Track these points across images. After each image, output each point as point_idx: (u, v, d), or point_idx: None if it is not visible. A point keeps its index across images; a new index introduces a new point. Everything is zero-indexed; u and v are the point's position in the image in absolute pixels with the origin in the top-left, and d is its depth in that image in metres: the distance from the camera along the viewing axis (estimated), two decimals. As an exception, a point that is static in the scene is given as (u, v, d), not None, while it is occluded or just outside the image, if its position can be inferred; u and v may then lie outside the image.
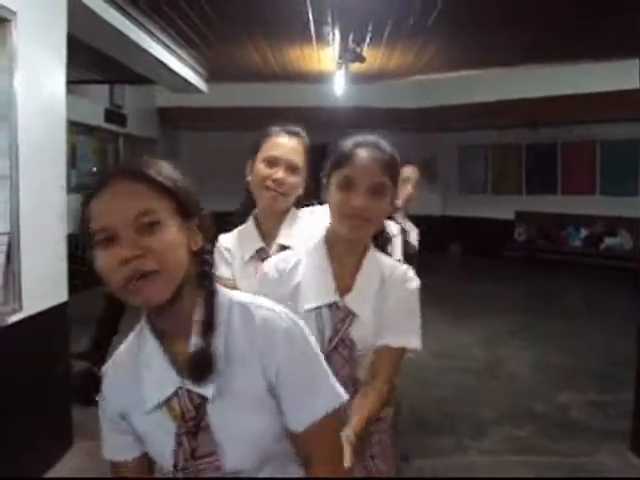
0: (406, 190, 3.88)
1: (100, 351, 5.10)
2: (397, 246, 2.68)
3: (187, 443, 1.36)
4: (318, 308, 1.99)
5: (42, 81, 4.03)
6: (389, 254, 2.19)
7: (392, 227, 2.52)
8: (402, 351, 2.02)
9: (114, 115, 11.02)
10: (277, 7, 6.27)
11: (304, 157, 2.52)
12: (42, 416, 4.00)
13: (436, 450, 4.56)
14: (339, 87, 9.77)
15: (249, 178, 2.52)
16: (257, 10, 6.38)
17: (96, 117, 10.33)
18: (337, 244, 2.05)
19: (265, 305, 1.42)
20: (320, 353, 1.43)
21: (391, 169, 2.02)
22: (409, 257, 3.03)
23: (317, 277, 2.02)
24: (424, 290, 2.07)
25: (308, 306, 1.99)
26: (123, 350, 1.48)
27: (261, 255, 2.45)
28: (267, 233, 2.52)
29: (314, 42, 7.78)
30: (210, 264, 1.42)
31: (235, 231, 2.56)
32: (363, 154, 1.99)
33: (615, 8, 5.97)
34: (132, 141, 12.07)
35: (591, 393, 5.66)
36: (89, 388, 4.87)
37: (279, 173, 2.43)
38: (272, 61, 9.48)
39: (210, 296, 1.39)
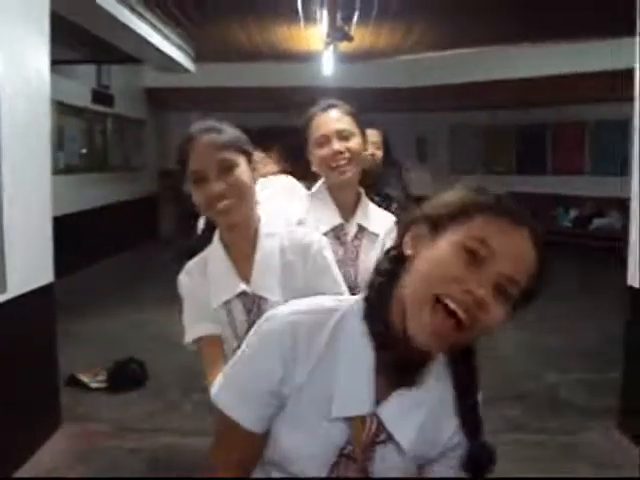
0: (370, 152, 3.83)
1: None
2: None
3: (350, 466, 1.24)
4: (225, 303, 2.02)
5: (24, 60, 3.96)
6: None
7: None
8: None
9: (101, 96, 10.93)
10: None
11: (352, 120, 2.48)
12: (29, 398, 3.98)
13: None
14: (328, 67, 9.71)
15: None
16: (244, -12, 6.33)
17: (83, 98, 10.24)
18: (226, 236, 2.08)
19: None
20: None
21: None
22: None
23: (219, 274, 2.04)
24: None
25: (215, 305, 2.02)
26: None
27: (337, 232, 2.47)
28: (343, 207, 2.51)
29: (301, 21, 7.71)
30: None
31: (303, 194, 2.72)
32: (204, 141, 1.97)
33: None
34: (120, 122, 11.98)
35: (580, 372, 5.68)
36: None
37: (334, 146, 2.42)
38: (259, 40, 9.43)
39: None
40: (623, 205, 12.06)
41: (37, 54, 4.10)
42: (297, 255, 2.02)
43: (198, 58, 9.94)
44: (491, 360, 6.17)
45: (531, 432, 4.55)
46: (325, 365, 1.20)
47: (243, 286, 2.00)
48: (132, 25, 6.74)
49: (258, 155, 3.95)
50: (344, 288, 2.08)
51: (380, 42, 9.53)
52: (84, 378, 5.29)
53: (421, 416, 1.22)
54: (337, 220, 2.47)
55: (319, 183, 2.56)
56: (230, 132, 2.00)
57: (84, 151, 10.58)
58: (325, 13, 6.84)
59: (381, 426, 1.20)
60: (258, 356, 1.24)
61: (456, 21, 8.08)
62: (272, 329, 1.23)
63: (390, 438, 1.21)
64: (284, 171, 3.99)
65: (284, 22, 8.13)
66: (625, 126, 11.89)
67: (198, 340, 2.03)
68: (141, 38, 7.23)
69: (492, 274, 1.10)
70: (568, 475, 3.87)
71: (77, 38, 7.71)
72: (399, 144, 14.41)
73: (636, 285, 4.34)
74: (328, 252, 2.07)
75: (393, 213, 2.53)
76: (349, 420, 1.20)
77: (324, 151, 2.43)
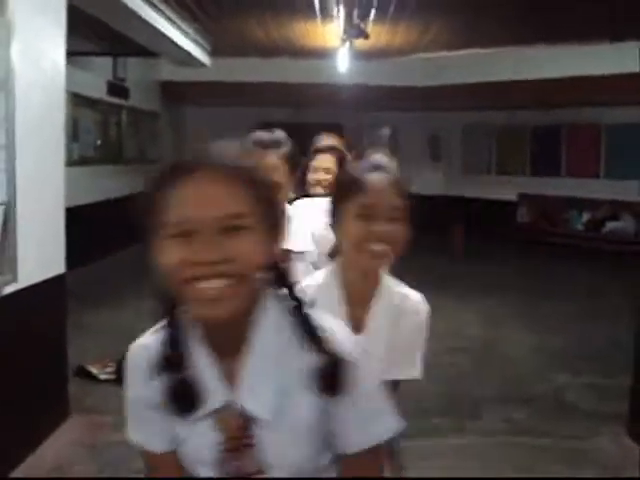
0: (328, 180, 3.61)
1: None
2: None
3: (229, 459, 1.29)
4: None
5: (41, 51, 3.99)
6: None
7: None
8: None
9: (117, 88, 10.96)
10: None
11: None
12: (38, 388, 4.00)
13: (433, 431, 4.56)
14: (343, 63, 9.71)
15: None
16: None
17: (99, 90, 10.27)
18: (352, 279, 1.97)
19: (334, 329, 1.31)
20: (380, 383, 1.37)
21: (405, 192, 1.93)
22: None
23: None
24: (427, 270, 2.06)
25: None
26: (154, 339, 1.32)
27: None
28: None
29: (318, 17, 7.72)
30: (288, 274, 1.33)
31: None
32: (378, 179, 1.89)
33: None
34: (135, 114, 12.01)
35: (589, 376, 5.65)
36: None
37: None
38: (276, 36, 9.43)
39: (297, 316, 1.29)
40: (637, 209, 12.05)
41: (53, 45, 4.13)
42: (407, 322, 2.00)
43: (214, 53, 9.95)
44: (498, 361, 6.17)
45: (537, 436, 4.53)
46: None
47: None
48: (149, 18, 6.75)
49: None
50: None
51: (396, 40, 9.51)
52: (93, 369, 5.32)
53: (268, 381, 1.26)
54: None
55: None
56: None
57: (99, 143, 10.61)
58: (342, 10, 6.85)
59: (241, 411, 1.26)
60: (126, 383, 1.34)
61: (472, 21, 8.06)
62: (128, 357, 1.34)
63: (252, 418, 1.26)
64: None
65: (301, 18, 8.13)
66: (641, 129, 11.92)
67: None
68: (158, 32, 7.24)
69: (195, 236, 1.14)
70: None
71: (94, 30, 7.74)
72: (412, 143, 14.45)
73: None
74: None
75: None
76: (215, 415, 1.28)
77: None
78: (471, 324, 7.35)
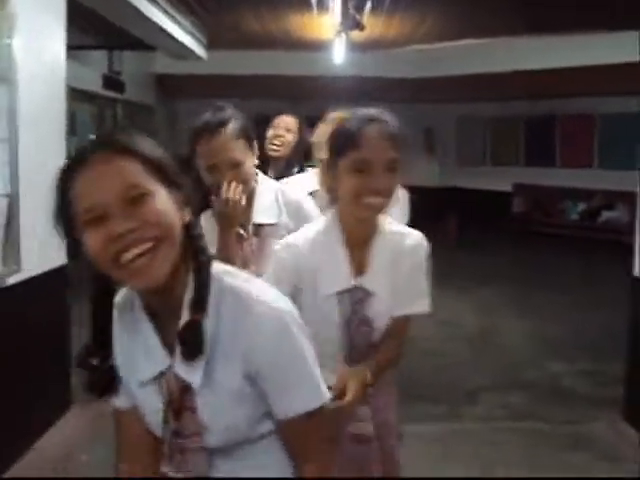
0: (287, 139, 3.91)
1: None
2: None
3: (172, 422, 1.39)
4: (337, 293, 2.02)
5: (42, 44, 4.03)
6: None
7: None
8: (410, 317, 2.11)
9: (112, 81, 10.95)
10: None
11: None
12: (40, 378, 4.04)
13: (430, 417, 4.62)
14: (339, 55, 9.73)
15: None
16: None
17: (94, 83, 10.26)
18: (350, 226, 2.04)
19: (267, 300, 1.36)
20: (309, 353, 1.39)
21: (401, 143, 1.98)
22: None
23: (334, 262, 2.03)
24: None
25: (327, 292, 2.02)
26: (122, 302, 1.44)
27: None
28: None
29: (314, 9, 7.74)
30: (201, 237, 1.38)
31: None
32: (373, 132, 1.93)
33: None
34: (130, 108, 12.02)
35: (583, 363, 5.73)
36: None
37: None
38: (272, 29, 9.44)
39: (201, 272, 1.34)
40: (631, 198, 12.07)
41: (54, 38, 4.17)
42: (406, 260, 2.08)
43: (211, 46, 9.94)
44: (495, 348, 6.24)
45: (534, 421, 4.60)
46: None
47: (355, 281, 2.04)
48: (146, 11, 6.75)
49: None
50: None
51: (391, 32, 9.54)
52: (94, 361, 5.34)
53: None
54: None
55: None
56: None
57: (93, 137, 10.61)
58: (338, 1, 6.87)
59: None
60: None
61: (467, 12, 8.09)
62: None
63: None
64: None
65: (297, 10, 8.15)
66: (635, 119, 11.94)
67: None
68: (154, 24, 7.23)
69: (106, 217, 1.23)
70: (571, 468, 3.91)
71: (90, 23, 7.73)
72: (407, 134, 14.52)
73: (640, 275, 4.38)
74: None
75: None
76: None
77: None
78: (466, 313, 7.42)
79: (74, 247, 1.29)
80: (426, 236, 2.12)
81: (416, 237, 2.10)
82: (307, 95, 12.52)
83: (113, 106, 11.37)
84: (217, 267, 1.39)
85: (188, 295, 1.32)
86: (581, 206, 13.37)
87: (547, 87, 11.14)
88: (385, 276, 2.03)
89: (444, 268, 9.29)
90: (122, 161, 1.25)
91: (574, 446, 4.20)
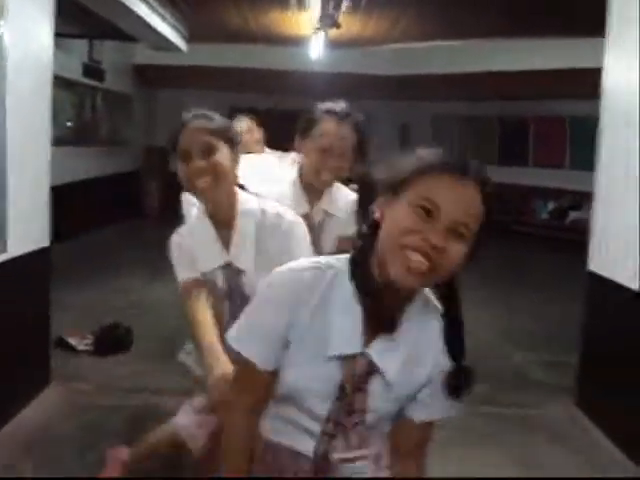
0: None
1: None
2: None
3: (348, 398, 1.50)
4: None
5: (30, 32, 4.09)
6: None
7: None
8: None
9: (92, 70, 11.01)
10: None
11: (353, 138, 2.62)
12: (21, 355, 4.12)
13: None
14: (316, 52, 9.87)
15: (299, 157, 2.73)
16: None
17: (74, 71, 10.32)
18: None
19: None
20: None
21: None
22: None
23: (207, 242, 2.41)
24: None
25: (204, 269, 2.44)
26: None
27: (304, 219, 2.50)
28: (312, 198, 2.73)
29: (294, 6, 7.88)
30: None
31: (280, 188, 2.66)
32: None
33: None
34: (110, 96, 12.09)
35: (544, 353, 5.99)
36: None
37: (332, 162, 2.59)
38: (252, 23, 9.55)
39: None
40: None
41: (42, 27, 4.24)
42: (270, 231, 2.28)
43: (191, 38, 10.04)
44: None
45: (496, 406, 4.82)
46: (322, 313, 1.47)
47: (227, 257, 2.29)
48: (128, 3, 6.82)
49: (247, 123, 4.98)
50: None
51: (367, 30, 9.69)
52: (72, 341, 5.49)
53: (401, 354, 1.49)
54: (305, 210, 2.67)
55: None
56: (219, 121, 2.31)
57: (69, 124, 10.66)
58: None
59: (370, 362, 1.48)
60: (269, 306, 1.50)
61: (443, 13, 8.26)
62: (279, 284, 1.50)
63: (377, 372, 1.49)
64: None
65: (277, 6, 8.28)
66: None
67: (188, 282, 2.35)
68: (136, 16, 7.31)
69: (442, 222, 1.33)
70: (527, 448, 4.15)
71: (70, 12, 7.79)
72: (383, 131, 14.59)
73: (594, 270, 4.62)
74: (300, 228, 2.31)
75: None
76: (343, 359, 1.47)
77: (323, 161, 2.65)
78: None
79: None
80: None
81: (284, 219, 2.31)
82: (284, 89, 12.65)
83: (93, 94, 11.44)
84: None
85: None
86: (551, 205, 13.61)
87: (520, 89, 11.33)
88: (250, 252, 2.28)
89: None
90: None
91: (531, 427, 4.47)
